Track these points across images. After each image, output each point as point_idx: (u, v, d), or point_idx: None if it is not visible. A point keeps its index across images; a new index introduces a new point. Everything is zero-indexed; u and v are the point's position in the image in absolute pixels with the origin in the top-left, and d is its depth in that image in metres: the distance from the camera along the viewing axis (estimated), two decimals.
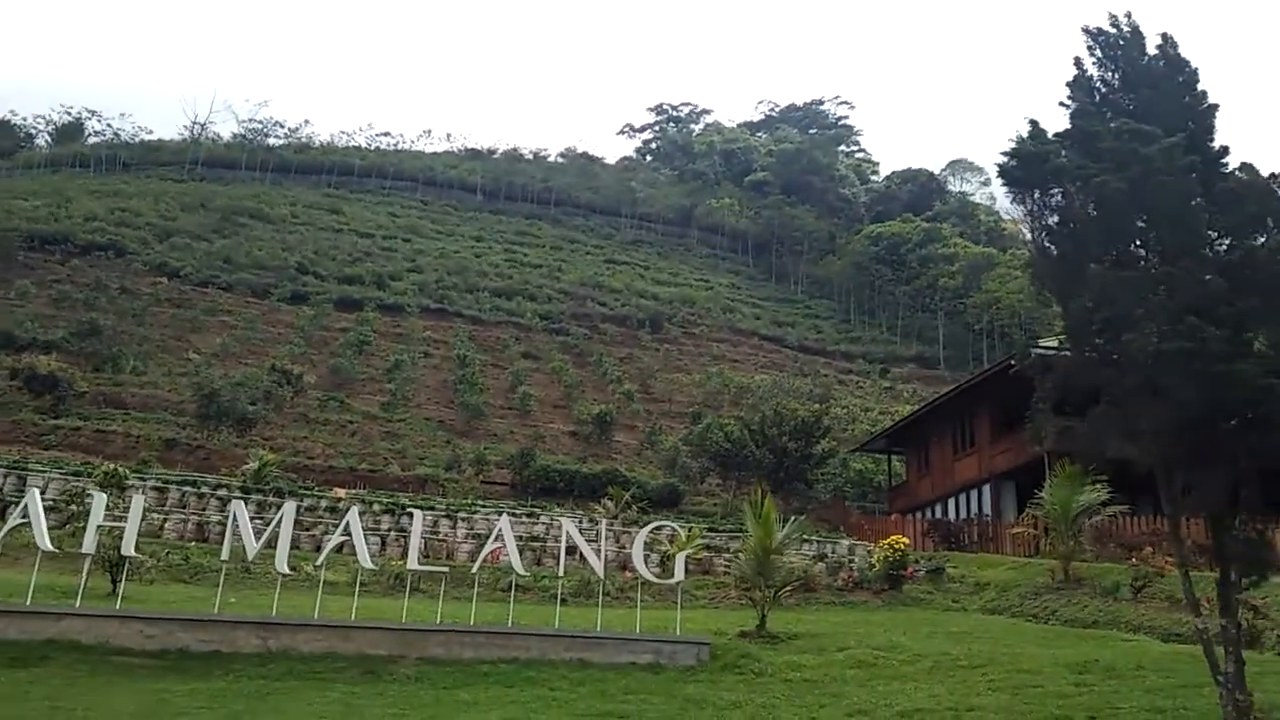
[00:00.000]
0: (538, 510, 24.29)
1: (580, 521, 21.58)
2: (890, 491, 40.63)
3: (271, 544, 12.68)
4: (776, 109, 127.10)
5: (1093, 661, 10.62)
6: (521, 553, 18.89)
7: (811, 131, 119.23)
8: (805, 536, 21.82)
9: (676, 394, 50.15)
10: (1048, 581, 18.02)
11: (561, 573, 14.55)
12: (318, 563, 13.46)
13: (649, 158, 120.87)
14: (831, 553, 21.93)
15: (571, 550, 15.08)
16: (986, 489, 31.57)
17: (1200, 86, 6.82)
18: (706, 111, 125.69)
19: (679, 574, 13.92)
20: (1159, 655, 11.14)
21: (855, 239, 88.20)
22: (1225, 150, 6.79)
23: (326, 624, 11.63)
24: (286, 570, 12.30)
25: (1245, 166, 6.77)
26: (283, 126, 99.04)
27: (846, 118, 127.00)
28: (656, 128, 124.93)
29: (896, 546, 19.63)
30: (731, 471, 34.94)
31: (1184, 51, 6.78)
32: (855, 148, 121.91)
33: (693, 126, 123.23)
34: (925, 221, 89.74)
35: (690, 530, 20.13)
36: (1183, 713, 8.06)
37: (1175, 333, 6.08)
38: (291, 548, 15.80)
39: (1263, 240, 6.42)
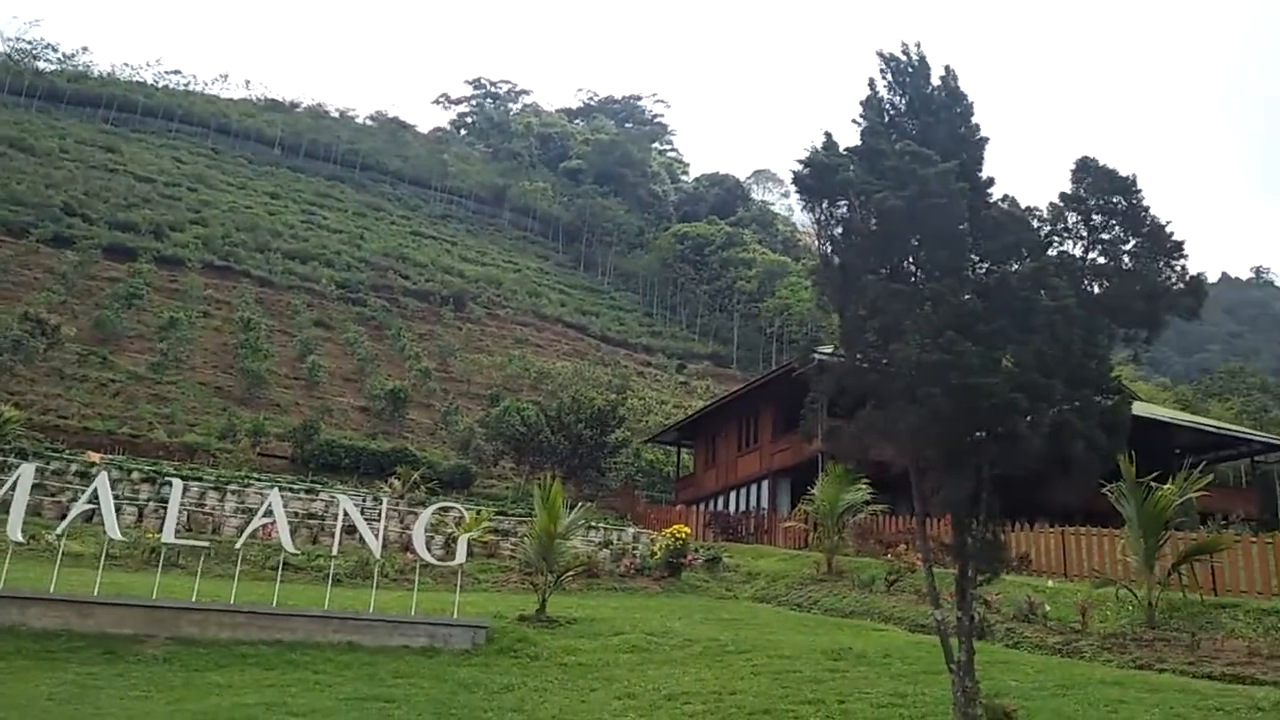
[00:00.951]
0: (318, 486, 23.16)
1: (364, 500, 20.79)
2: (678, 482, 41.87)
3: (6, 508, 11.37)
4: (595, 98, 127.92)
5: (847, 649, 11.34)
6: (297, 530, 18.00)
7: (628, 125, 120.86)
8: (592, 523, 22.03)
9: (476, 375, 49.40)
10: (813, 573, 19.12)
11: (335, 551, 13.90)
12: (58, 531, 12.21)
13: (463, 131, 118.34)
14: (617, 540, 22.27)
15: (351, 529, 14.49)
16: (765, 484, 33.13)
17: (974, 119, 7.40)
18: (525, 92, 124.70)
19: (460, 556, 13.70)
20: (905, 644, 12.05)
21: (663, 236, 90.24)
22: (991, 181, 7.39)
23: (63, 598, 10.58)
24: (20, 538, 11.07)
25: (1007, 198, 7.42)
26: (56, 51, 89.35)
27: (662, 116, 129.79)
28: (473, 102, 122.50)
29: (678, 536, 20.24)
30: (526, 456, 34.81)
31: (964, 85, 7.35)
32: (668, 146, 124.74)
33: (511, 105, 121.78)
34: (729, 225, 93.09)
35: (478, 513, 19.88)
36: (921, 697, 8.76)
37: (936, 345, 6.54)
38: (33, 515, 14.24)
39: (1016, 267, 7.02)
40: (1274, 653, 10.38)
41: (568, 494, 15.59)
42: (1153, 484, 13.24)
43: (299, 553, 15.09)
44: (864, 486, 20.02)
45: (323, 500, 21.02)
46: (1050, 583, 16.16)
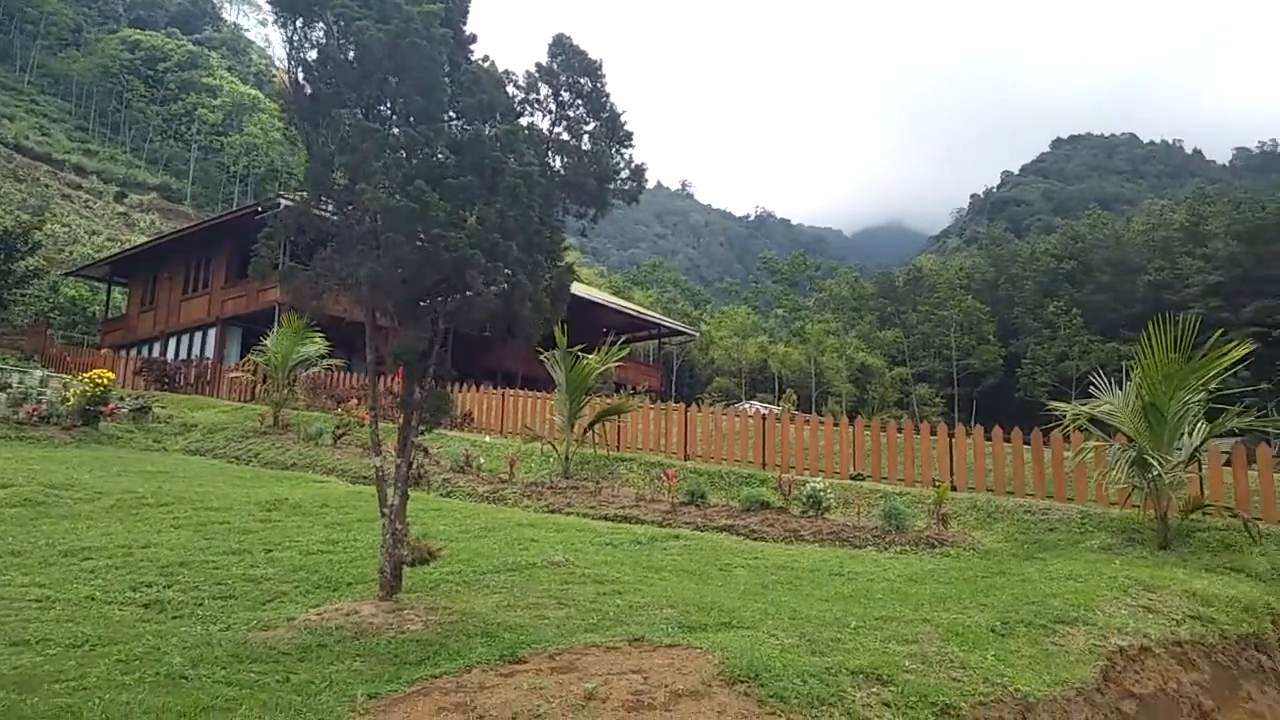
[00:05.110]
0: None
1: None
2: (106, 324, 36.83)
3: None
4: None
5: (283, 500, 11.03)
6: None
7: None
8: None
9: None
10: (257, 426, 18.25)
11: None
12: None
13: None
14: (19, 383, 18.84)
15: None
16: (214, 332, 30.67)
17: None
18: None
19: None
20: (345, 494, 12.10)
21: (108, 39, 76.31)
22: (474, 37, 7.30)
23: None
24: None
25: (488, 59, 7.41)
26: None
27: None
28: None
29: (98, 382, 17.78)
30: None
31: None
32: None
33: None
34: (193, 43, 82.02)
35: None
36: (354, 543, 8.85)
37: (405, 193, 6.37)
38: None
39: (490, 128, 7.09)
40: (655, 497, 12.46)
41: None
42: (581, 354, 14.87)
43: None
44: (321, 340, 19.49)
45: None
46: (488, 438, 17.46)
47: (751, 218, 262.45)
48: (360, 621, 6.00)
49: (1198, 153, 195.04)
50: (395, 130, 6.93)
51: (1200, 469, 10.88)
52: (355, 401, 19.23)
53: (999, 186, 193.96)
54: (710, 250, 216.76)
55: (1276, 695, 6.45)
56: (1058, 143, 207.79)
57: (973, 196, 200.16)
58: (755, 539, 10.45)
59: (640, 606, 6.46)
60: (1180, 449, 10.13)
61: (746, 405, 33.48)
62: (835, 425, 14.78)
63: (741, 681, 4.51)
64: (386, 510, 6.68)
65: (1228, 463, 11.01)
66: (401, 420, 7.14)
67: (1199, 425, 10.25)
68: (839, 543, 10.20)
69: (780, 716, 4.21)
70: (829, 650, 5.14)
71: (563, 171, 7.64)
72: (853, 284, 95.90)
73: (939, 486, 11.45)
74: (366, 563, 7.70)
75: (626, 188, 7.93)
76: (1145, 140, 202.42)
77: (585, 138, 7.78)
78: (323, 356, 19.81)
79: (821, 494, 11.41)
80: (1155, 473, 9.70)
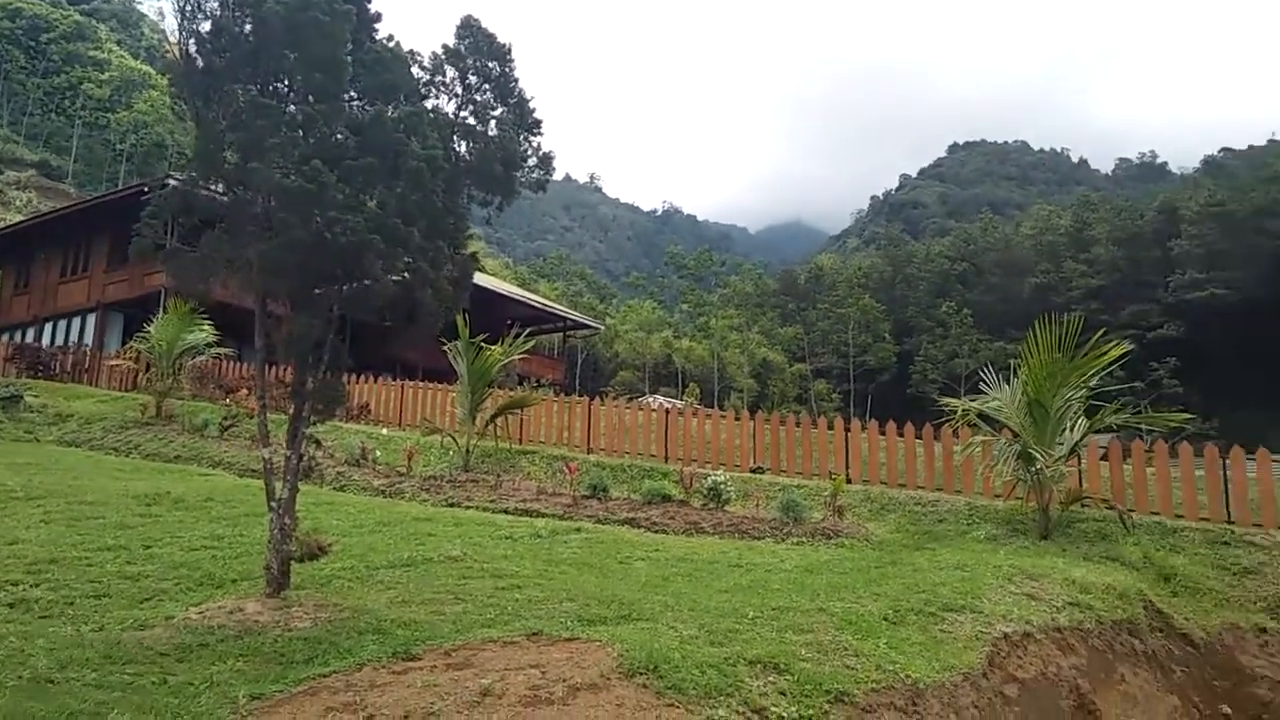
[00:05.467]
0: None
1: None
2: None
3: None
4: None
5: (164, 494, 10.53)
6: None
7: None
8: None
9: None
10: (138, 416, 17.41)
11: None
12: None
13: None
14: None
15: None
16: (94, 318, 29.16)
17: None
18: None
19: None
20: (231, 488, 11.63)
21: None
22: (379, 16, 7.08)
23: None
24: None
25: (392, 38, 7.19)
26: None
27: None
28: None
29: None
30: None
31: None
32: None
33: None
34: (80, 14, 77.72)
35: None
36: (240, 538, 8.50)
37: (300, 173, 6.12)
38: None
39: (393, 110, 6.88)
40: (557, 490, 12.37)
41: None
42: (484, 345, 14.65)
43: None
44: (208, 327, 18.71)
45: None
46: (385, 431, 17.06)
47: (659, 212, 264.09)
48: (245, 620, 5.76)
49: (1084, 162, 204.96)
50: (292, 108, 6.65)
51: (1080, 463, 11.39)
52: (245, 392, 18.53)
53: (897, 189, 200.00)
54: (618, 244, 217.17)
55: (1148, 677, 6.80)
56: (954, 148, 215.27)
57: (872, 198, 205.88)
58: (656, 531, 10.48)
59: (539, 600, 6.38)
60: (1062, 444, 10.59)
61: (650, 399, 33.66)
62: (737, 420, 14.95)
63: (640, 674, 4.48)
64: (274, 504, 6.42)
65: (1104, 457, 11.57)
66: (293, 411, 6.87)
67: (1079, 421, 10.74)
68: (739, 535, 10.31)
69: (678, 708, 4.20)
70: (727, 641, 5.17)
71: (468, 157, 7.50)
72: (756, 281, 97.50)
73: (835, 479, 11.69)
74: (253, 559, 7.40)
75: (535, 176, 7.86)
76: (1036, 148, 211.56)
77: (492, 123, 7.69)
78: (210, 344, 19.00)
79: (722, 487, 11.51)
80: (1038, 466, 10.11)
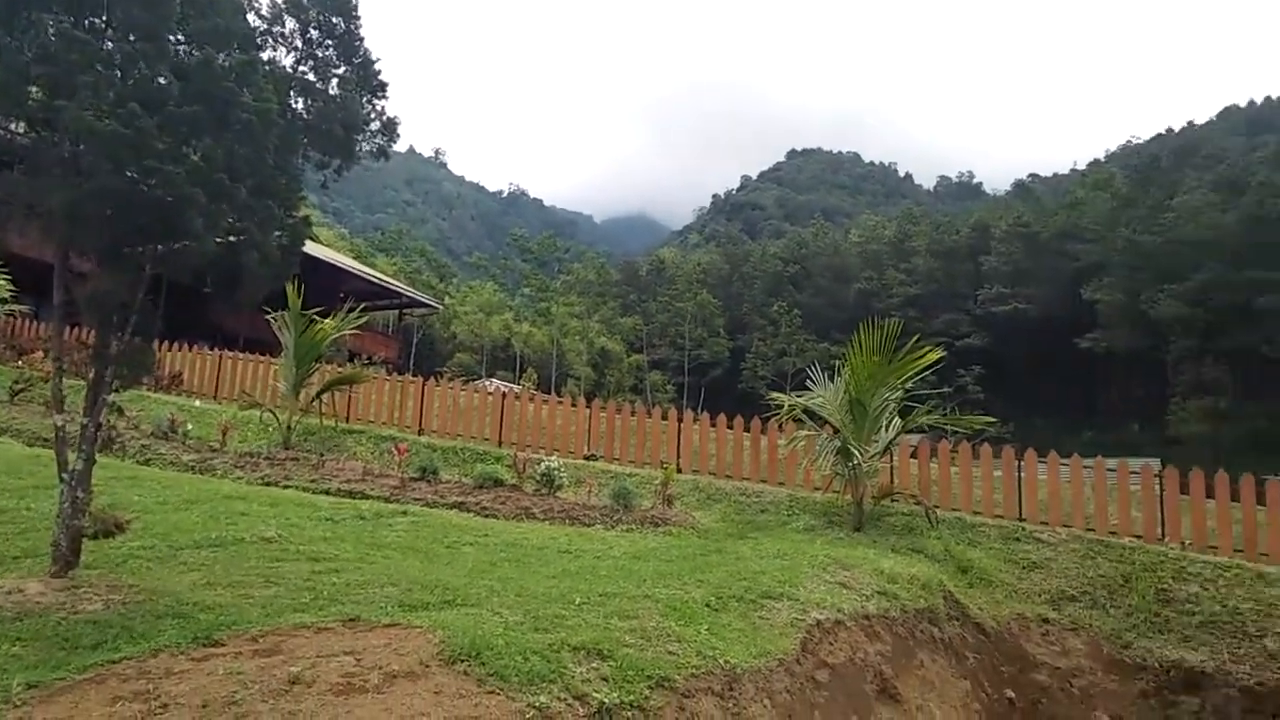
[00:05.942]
0: None
1: None
2: None
3: None
4: None
5: None
6: None
7: None
8: None
9: None
10: None
11: None
12: None
13: None
14: None
15: None
16: None
17: None
18: None
19: None
20: (20, 457, 10.62)
21: None
22: None
23: None
24: None
25: None
26: None
27: None
28: None
29: None
30: None
31: None
32: None
33: None
34: None
35: None
36: (25, 511, 7.77)
37: (116, 116, 5.61)
38: None
39: (224, 57, 6.42)
40: (384, 472, 11.98)
41: None
42: (315, 318, 14.00)
43: None
44: (2, 281, 17.02)
45: None
46: (198, 403, 16.04)
47: (505, 194, 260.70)
48: (25, 601, 5.25)
49: (909, 176, 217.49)
50: (109, 45, 6.08)
51: (892, 460, 12.07)
52: (41, 354, 16.97)
53: (738, 189, 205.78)
54: (461, 223, 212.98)
55: (944, 663, 7.28)
56: (792, 154, 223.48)
57: (714, 196, 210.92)
58: (487, 516, 10.33)
59: (359, 585, 6.14)
60: (877, 441, 11.19)
61: (486, 382, 33.21)
62: (573, 406, 14.96)
63: (462, 660, 4.39)
64: (66, 475, 5.88)
65: (914, 455, 12.31)
66: (93, 376, 6.31)
67: (894, 421, 11.37)
68: (569, 521, 10.31)
69: (499, 695, 4.14)
70: (553, 627, 5.14)
71: (306, 115, 7.13)
72: (599, 270, 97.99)
73: (666, 469, 11.90)
74: (40, 535, 6.76)
75: (378, 142, 7.52)
76: (867, 160, 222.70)
77: (334, 82, 7.35)
78: (3, 300, 17.30)
79: (556, 473, 11.49)
80: (856, 461, 10.63)
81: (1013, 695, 7.95)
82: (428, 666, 4.30)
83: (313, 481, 11.32)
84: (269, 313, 14.00)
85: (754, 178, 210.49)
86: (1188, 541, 10.50)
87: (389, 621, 5.02)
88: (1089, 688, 8.27)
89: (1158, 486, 11.04)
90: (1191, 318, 69.83)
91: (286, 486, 11.06)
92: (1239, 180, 76.20)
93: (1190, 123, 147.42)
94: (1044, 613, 9.09)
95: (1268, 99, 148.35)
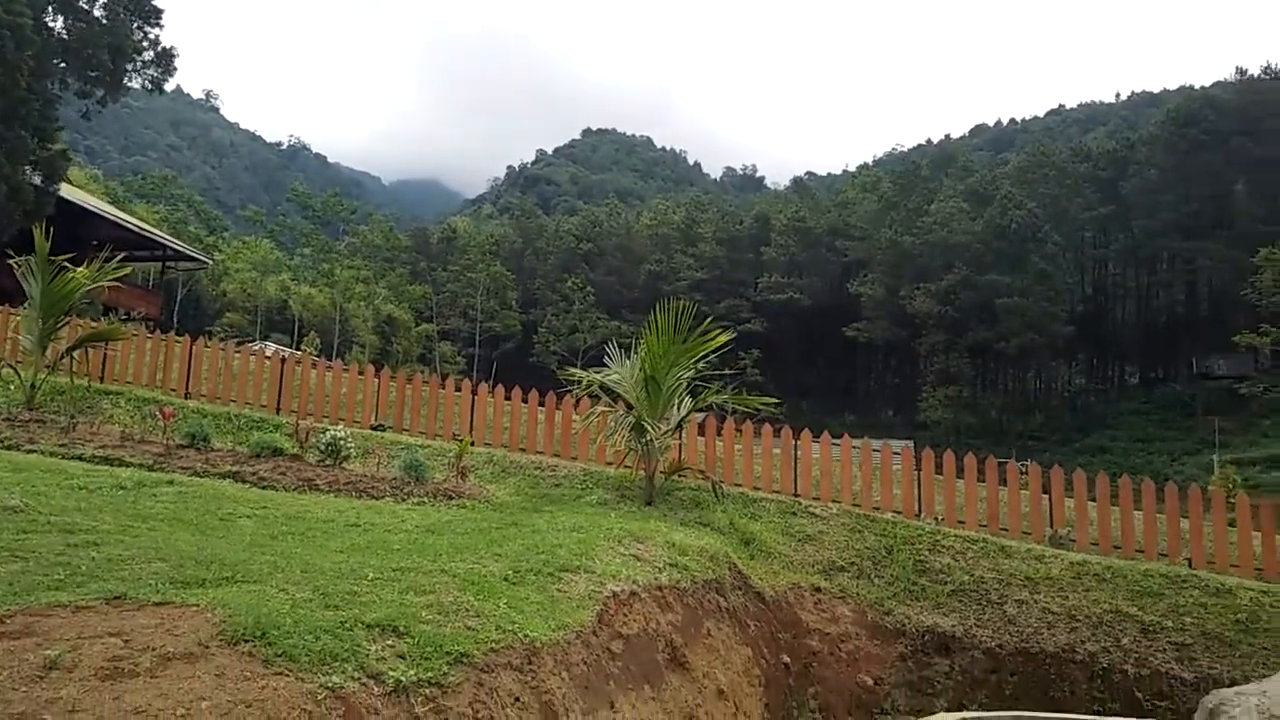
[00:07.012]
0: None
1: None
2: None
3: None
4: None
5: None
6: None
7: None
8: None
9: None
10: None
11: None
12: None
13: None
14: None
15: None
16: None
17: None
18: None
19: None
20: None
21: None
22: None
23: None
24: None
25: None
26: None
27: None
28: None
29: None
30: None
31: None
32: None
33: None
34: None
35: None
36: None
37: None
38: None
39: None
40: (145, 437, 10.99)
41: None
42: (67, 266, 12.58)
43: None
44: None
45: None
46: None
47: (285, 146, 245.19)
48: None
49: (698, 164, 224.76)
50: None
51: (682, 436, 12.46)
52: None
53: (533, 163, 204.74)
54: (233, 174, 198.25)
55: (729, 631, 7.61)
56: (587, 133, 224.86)
57: (509, 168, 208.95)
58: (265, 487, 9.70)
59: (123, 560, 5.58)
60: (669, 418, 11.50)
61: (261, 345, 31.21)
62: (360, 374, 14.35)
63: (245, 641, 4.09)
64: None
65: (702, 432, 12.76)
66: None
67: (685, 399, 11.72)
68: (357, 493, 9.89)
69: (289, 676, 3.89)
70: (344, 604, 4.90)
71: (66, 35, 6.29)
72: (387, 234, 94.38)
73: (461, 441, 11.66)
74: None
75: (151, 74, 6.79)
76: (659, 145, 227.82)
77: (100, 2, 6.49)
78: None
79: (342, 443, 10.97)
80: (649, 437, 10.88)
81: (788, 660, 8.45)
82: (207, 647, 3.97)
83: (62, 446, 10.20)
84: (11, 256, 12.42)
85: (549, 153, 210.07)
86: (941, 517, 11.56)
87: (160, 599, 4.60)
88: (855, 652, 8.93)
89: (915, 467, 12.06)
90: (942, 314, 76.82)
91: (31, 451, 9.89)
92: (986, 192, 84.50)
93: (947, 135, 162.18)
94: (817, 582, 9.71)
95: (1012, 120, 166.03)
